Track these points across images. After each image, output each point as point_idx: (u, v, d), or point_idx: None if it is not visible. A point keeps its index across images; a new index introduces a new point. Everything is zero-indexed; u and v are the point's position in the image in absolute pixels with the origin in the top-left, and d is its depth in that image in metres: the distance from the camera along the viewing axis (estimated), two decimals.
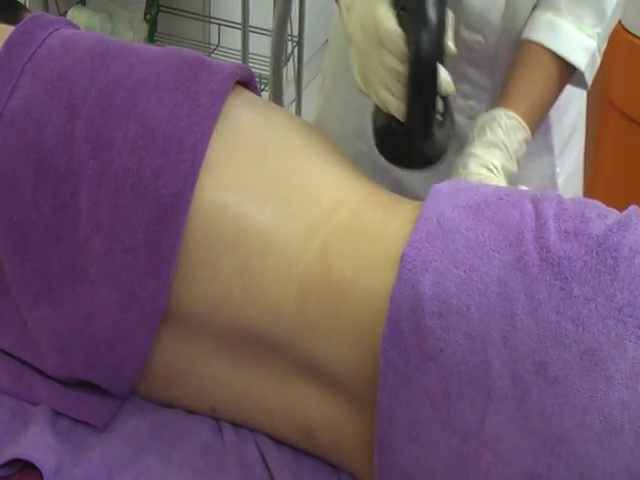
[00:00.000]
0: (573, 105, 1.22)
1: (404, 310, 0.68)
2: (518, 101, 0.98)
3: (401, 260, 0.70)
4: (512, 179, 1.14)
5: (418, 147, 0.85)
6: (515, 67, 1.02)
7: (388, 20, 0.80)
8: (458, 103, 1.13)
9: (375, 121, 0.88)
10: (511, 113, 0.96)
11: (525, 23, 1.04)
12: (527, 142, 0.97)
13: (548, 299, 0.66)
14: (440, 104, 0.84)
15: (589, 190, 2.06)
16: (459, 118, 1.15)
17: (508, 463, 0.66)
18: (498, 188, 0.77)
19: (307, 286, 0.74)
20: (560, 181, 1.23)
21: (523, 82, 1.00)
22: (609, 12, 1.03)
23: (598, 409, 0.64)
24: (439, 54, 0.81)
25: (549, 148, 1.19)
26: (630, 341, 0.64)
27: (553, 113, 1.16)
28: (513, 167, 0.96)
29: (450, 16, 0.84)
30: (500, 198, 0.73)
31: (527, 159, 1.18)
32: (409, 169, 0.89)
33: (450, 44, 0.84)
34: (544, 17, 1.02)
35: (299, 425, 0.79)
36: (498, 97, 1.08)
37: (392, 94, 0.82)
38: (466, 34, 1.06)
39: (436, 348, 0.67)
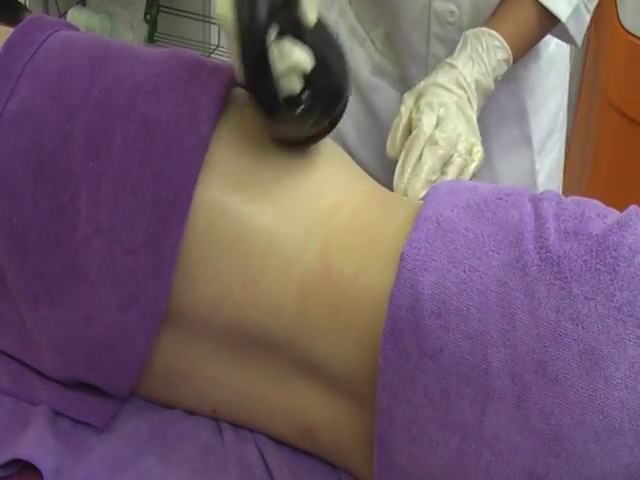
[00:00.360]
0: (553, 99, 1.23)
1: (403, 310, 0.68)
2: (501, 24, 1.01)
3: (400, 259, 0.70)
4: (490, 167, 1.13)
5: (269, 121, 0.74)
6: (499, 5, 1.04)
7: (223, 3, 0.69)
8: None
9: None
10: (493, 32, 0.99)
11: None
12: (507, 63, 1.00)
13: (547, 298, 0.66)
14: (297, 83, 0.70)
15: (589, 190, 2.06)
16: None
17: (507, 462, 0.66)
18: (497, 188, 0.77)
19: (307, 285, 0.74)
20: (540, 180, 1.24)
21: (506, 12, 1.03)
22: None
23: (597, 408, 0.64)
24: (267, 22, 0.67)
25: (527, 139, 1.21)
26: (630, 340, 0.64)
27: (531, 103, 1.18)
28: (489, 83, 0.99)
29: None
30: (499, 198, 0.73)
31: (505, 148, 1.20)
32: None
33: (308, 13, 0.70)
34: None
35: (299, 424, 0.79)
36: None
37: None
38: (438, 5, 1.08)
39: (435, 348, 0.67)
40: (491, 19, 1.03)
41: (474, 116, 0.96)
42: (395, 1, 1.10)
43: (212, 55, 2.29)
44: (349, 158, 0.87)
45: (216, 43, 2.33)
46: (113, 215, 0.75)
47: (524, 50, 1.05)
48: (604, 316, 0.65)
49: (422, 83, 0.98)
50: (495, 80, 1.00)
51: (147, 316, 0.75)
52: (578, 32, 1.07)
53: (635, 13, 1.76)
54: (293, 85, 0.71)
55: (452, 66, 0.98)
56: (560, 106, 1.26)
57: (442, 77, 0.97)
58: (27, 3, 2.00)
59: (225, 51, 2.30)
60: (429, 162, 0.90)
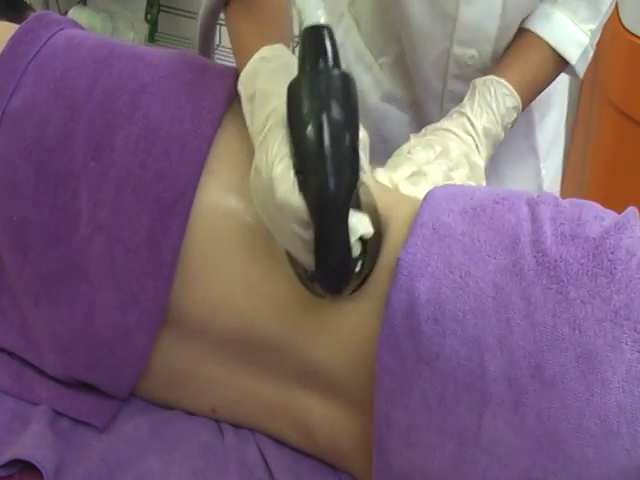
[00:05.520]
0: (556, 106, 1.23)
1: (400, 315, 0.68)
2: (510, 71, 1.00)
3: (397, 265, 0.70)
4: (497, 178, 1.13)
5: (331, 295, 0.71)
6: (510, 49, 1.03)
7: (287, 186, 0.65)
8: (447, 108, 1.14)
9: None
10: (502, 80, 0.98)
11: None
12: (517, 110, 0.99)
13: (544, 302, 0.66)
14: (357, 247, 0.69)
15: (589, 190, 2.06)
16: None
17: (505, 467, 0.66)
18: (494, 191, 0.76)
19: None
20: (545, 185, 1.24)
21: (517, 59, 1.02)
22: (604, 9, 1.05)
23: (594, 412, 0.64)
24: (347, 233, 0.66)
25: (534, 150, 1.20)
26: (627, 344, 0.64)
27: (536, 113, 1.17)
28: (498, 131, 0.97)
29: (363, 139, 0.68)
30: (496, 202, 0.73)
31: (513, 159, 1.19)
32: None
33: (369, 181, 0.69)
34: (541, 7, 1.03)
35: (299, 425, 0.79)
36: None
37: (299, 250, 0.68)
38: (458, 50, 1.07)
39: (432, 353, 0.67)
40: (500, 65, 1.02)
41: (481, 163, 0.94)
42: (413, 42, 1.09)
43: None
44: None
45: (217, 43, 2.33)
46: (114, 215, 0.75)
47: (534, 96, 1.04)
48: (601, 320, 0.65)
49: (429, 127, 0.97)
50: (504, 128, 0.98)
51: (147, 316, 0.75)
52: (583, 68, 1.06)
53: (636, 13, 1.76)
54: (356, 252, 0.69)
55: (461, 114, 0.97)
56: (562, 110, 1.26)
57: (449, 122, 0.96)
58: (29, 2, 2.00)
59: (226, 51, 2.30)
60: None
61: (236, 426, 0.83)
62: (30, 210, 0.77)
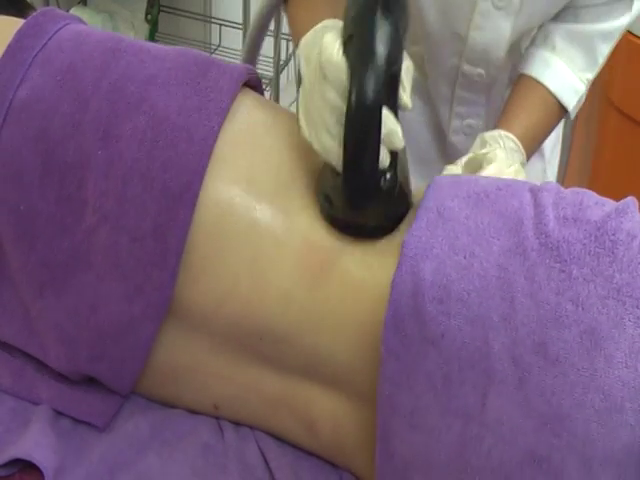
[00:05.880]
0: None
1: (405, 297, 0.69)
2: (515, 125, 1.02)
3: (402, 248, 0.70)
4: None
5: (354, 207, 0.73)
6: (512, 97, 1.06)
7: (332, 48, 0.72)
8: (455, 124, 1.17)
9: (321, 184, 0.77)
10: (510, 135, 1.00)
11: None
12: (523, 165, 1.01)
13: (547, 281, 0.67)
14: (386, 157, 0.72)
15: (590, 189, 2.06)
16: (456, 138, 1.18)
17: (509, 445, 0.66)
18: (497, 180, 0.78)
19: (316, 277, 0.75)
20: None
21: (519, 108, 1.05)
22: (601, 60, 1.08)
23: (598, 388, 0.64)
24: (382, 98, 0.69)
25: (540, 152, 1.23)
26: (629, 320, 0.65)
27: None
28: None
29: (407, 66, 0.74)
30: (499, 189, 0.74)
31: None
32: (348, 234, 0.77)
33: (405, 98, 0.74)
34: (539, 53, 1.07)
35: (302, 418, 0.80)
36: (493, 111, 1.14)
37: (333, 138, 0.72)
38: (467, 68, 1.10)
39: (437, 333, 0.68)
40: (505, 117, 1.04)
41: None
42: (427, 52, 1.12)
43: (213, 55, 2.29)
44: None
45: (217, 43, 2.33)
46: (120, 204, 0.75)
47: (536, 148, 1.07)
48: (604, 297, 0.66)
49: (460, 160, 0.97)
50: None
51: (152, 306, 0.75)
52: (574, 113, 1.10)
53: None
54: (384, 158, 0.72)
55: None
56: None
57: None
58: (29, 2, 2.00)
59: (226, 51, 2.31)
60: None
61: (237, 425, 0.83)
62: (36, 200, 0.77)
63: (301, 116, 0.76)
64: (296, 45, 0.86)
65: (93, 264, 0.76)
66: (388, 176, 0.73)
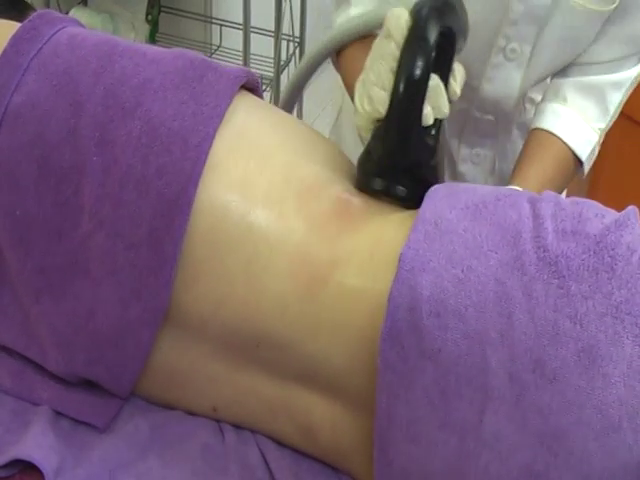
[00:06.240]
0: None
1: (402, 310, 0.68)
2: (530, 181, 1.01)
3: (399, 260, 0.70)
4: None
5: (397, 151, 0.80)
6: (525, 151, 1.06)
7: (401, 13, 0.80)
8: (463, 152, 1.17)
9: (361, 161, 0.84)
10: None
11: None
12: None
13: (545, 297, 0.66)
14: (430, 115, 0.80)
15: (591, 190, 2.06)
16: (464, 167, 1.18)
17: (506, 461, 0.66)
18: (496, 189, 0.77)
19: (311, 285, 0.75)
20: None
21: (533, 164, 1.04)
22: (612, 109, 1.07)
23: (595, 406, 0.64)
24: (434, 60, 0.78)
25: None
26: (627, 338, 0.64)
27: None
28: None
29: (459, 68, 0.84)
30: (498, 199, 0.74)
31: None
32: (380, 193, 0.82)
33: (455, 86, 0.83)
34: (551, 106, 1.07)
35: (300, 424, 0.79)
36: (502, 142, 1.15)
37: (383, 88, 0.80)
38: (477, 114, 1.12)
39: (434, 348, 0.67)
40: (519, 173, 1.03)
41: None
42: None
43: (213, 55, 2.29)
44: (351, 163, 0.87)
45: (217, 44, 2.33)
46: (116, 210, 0.75)
47: None
48: (602, 314, 0.65)
49: None
50: None
51: (149, 312, 0.75)
52: (587, 167, 1.09)
53: None
54: (428, 113, 0.79)
55: None
56: None
57: None
58: (30, 2, 2.00)
59: (226, 51, 2.30)
60: None
61: (237, 426, 0.82)
62: (32, 206, 0.77)
63: (358, 85, 0.84)
64: (351, 96, 0.93)
65: (89, 270, 0.76)
66: (429, 131, 0.80)
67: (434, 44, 0.78)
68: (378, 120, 0.81)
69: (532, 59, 1.05)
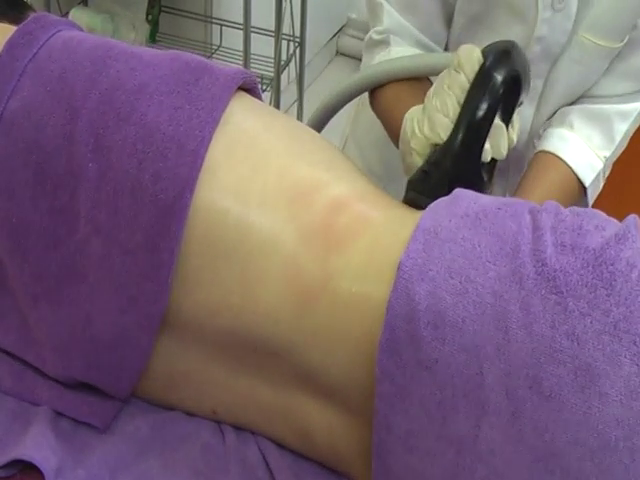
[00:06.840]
0: None
1: (400, 320, 0.68)
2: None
3: (398, 269, 0.69)
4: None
5: (453, 179, 0.83)
6: (529, 173, 1.06)
7: (473, 48, 0.85)
8: None
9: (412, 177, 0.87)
10: None
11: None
12: None
13: (543, 313, 0.66)
14: (489, 152, 0.84)
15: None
16: None
17: (502, 478, 0.65)
18: (498, 199, 0.76)
19: (306, 293, 0.74)
20: None
21: (537, 186, 1.04)
22: (618, 138, 1.08)
23: (592, 426, 0.63)
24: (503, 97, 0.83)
25: None
26: (625, 357, 0.63)
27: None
28: None
29: (517, 119, 0.87)
30: (499, 208, 0.73)
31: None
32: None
33: (512, 134, 0.86)
34: (557, 131, 1.07)
35: (298, 428, 0.79)
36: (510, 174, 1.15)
37: (446, 116, 0.83)
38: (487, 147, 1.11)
39: (431, 358, 0.67)
40: (522, 194, 1.04)
41: None
42: None
43: (214, 55, 2.29)
44: (351, 164, 0.87)
45: (218, 44, 2.33)
46: (112, 216, 0.74)
47: None
48: (600, 332, 0.64)
49: None
50: None
51: (146, 317, 0.75)
52: (592, 196, 1.09)
53: None
54: (488, 149, 0.84)
55: None
56: None
57: None
58: (29, 3, 2.00)
59: (227, 51, 2.30)
60: None
61: (237, 427, 0.82)
62: (29, 212, 0.77)
63: (422, 116, 0.87)
64: (390, 130, 1.00)
65: (86, 276, 0.76)
66: (485, 167, 0.84)
67: (503, 84, 0.82)
68: (435, 145, 0.85)
69: (543, 94, 1.06)
